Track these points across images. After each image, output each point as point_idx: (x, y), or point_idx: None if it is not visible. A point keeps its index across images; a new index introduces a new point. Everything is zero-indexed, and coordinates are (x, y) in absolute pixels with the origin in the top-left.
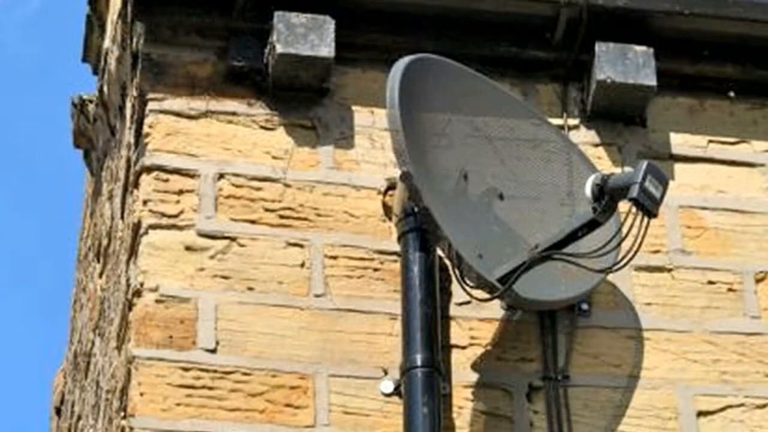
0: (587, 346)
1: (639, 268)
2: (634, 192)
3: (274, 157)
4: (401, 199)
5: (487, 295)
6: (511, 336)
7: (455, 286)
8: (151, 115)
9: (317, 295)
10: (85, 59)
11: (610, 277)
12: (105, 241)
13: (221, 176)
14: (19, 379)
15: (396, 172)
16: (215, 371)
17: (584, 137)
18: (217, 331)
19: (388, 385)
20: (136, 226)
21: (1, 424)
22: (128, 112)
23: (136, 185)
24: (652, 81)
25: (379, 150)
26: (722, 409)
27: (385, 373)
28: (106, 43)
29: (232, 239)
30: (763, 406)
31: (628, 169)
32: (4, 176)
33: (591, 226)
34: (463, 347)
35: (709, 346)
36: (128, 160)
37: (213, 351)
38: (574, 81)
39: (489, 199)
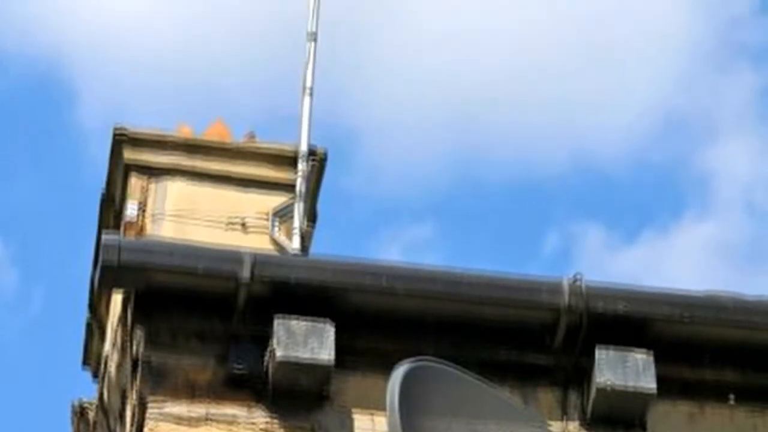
0: None
1: None
2: None
3: None
4: None
5: None
6: None
7: None
8: (151, 420)
9: None
10: (85, 364)
11: None
12: None
13: None
14: None
15: None
16: None
17: None
18: None
19: None
20: None
21: None
22: (128, 416)
23: None
24: (652, 386)
25: None
26: None
27: None
28: (106, 347)
29: None
30: None
31: None
32: None
33: None
34: None
35: None
36: None
37: None
38: (575, 385)
39: None
